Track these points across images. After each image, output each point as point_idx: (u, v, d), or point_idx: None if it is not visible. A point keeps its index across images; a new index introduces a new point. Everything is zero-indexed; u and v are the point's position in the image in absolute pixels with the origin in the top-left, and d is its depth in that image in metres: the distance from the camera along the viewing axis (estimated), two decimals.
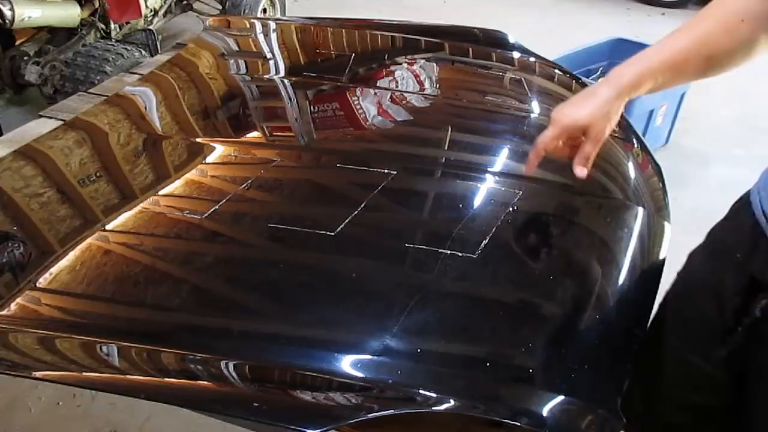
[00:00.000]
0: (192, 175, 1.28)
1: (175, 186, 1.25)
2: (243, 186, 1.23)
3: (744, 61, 1.01)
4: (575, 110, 1.05)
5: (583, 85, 1.79)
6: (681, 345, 1.08)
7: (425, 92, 1.74)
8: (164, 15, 3.99)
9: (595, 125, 1.04)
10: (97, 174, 1.32)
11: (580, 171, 1.09)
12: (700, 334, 1.04)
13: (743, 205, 1.02)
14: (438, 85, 1.82)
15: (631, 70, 1.03)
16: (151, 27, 3.71)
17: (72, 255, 1.05)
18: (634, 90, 1.03)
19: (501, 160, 1.44)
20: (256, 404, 0.81)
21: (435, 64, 1.89)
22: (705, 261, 1.08)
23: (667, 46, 1.02)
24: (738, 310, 0.96)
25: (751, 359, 0.97)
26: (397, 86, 1.73)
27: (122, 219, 1.15)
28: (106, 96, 1.63)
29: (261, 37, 2.02)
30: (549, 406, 0.84)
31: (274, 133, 1.56)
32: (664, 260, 1.21)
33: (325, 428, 0.75)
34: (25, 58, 3.23)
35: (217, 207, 1.16)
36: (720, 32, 0.99)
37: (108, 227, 1.13)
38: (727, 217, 1.07)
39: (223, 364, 0.86)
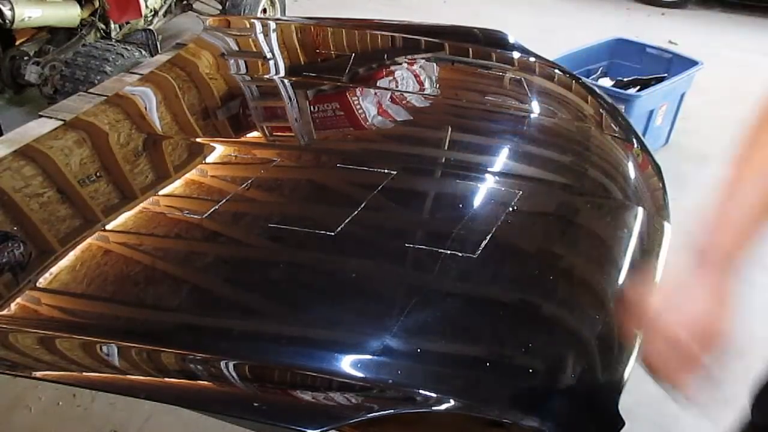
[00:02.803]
0: (192, 175, 1.28)
1: (175, 186, 1.25)
2: (243, 186, 1.23)
3: None
4: (690, 317, 0.74)
5: (583, 85, 1.79)
6: None
7: (425, 92, 1.74)
8: (164, 15, 3.99)
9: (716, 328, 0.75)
10: (97, 174, 1.32)
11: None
12: None
13: None
14: (438, 85, 1.82)
15: (729, 240, 0.76)
16: (151, 27, 3.71)
17: (72, 255, 1.05)
18: (739, 260, 0.77)
19: (501, 160, 1.43)
20: (256, 404, 0.81)
21: (435, 64, 1.89)
22: None
23: (748, 194, 0.77)
24: None
25: None
26: (397, 86, 1.73)
27: (122, 219, 1.14)
28: (106, 96, 1.63)
29: (261, 37, 2.02)
30: (549, 406, 0.84)
31: (274, 133, 1.56)
32: (664, 260, 1.21)
33: (325, 428, 0.75)
34: (25, 58, 3.23)
35: (217, 207, 1.16)
36: None
37: (108, 227, 1.13)
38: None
39: (223, 364, 0.86)
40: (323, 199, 1.31)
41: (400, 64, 1.85)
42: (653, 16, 5.48)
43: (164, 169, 1.35)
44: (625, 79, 3.27)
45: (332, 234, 1.09)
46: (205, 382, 0.86)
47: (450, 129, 1.57)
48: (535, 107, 1.64)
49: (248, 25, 2.18)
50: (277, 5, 4.41)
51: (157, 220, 1.16)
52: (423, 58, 1.90)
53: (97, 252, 1.07)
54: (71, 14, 3.33)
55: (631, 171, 1.46)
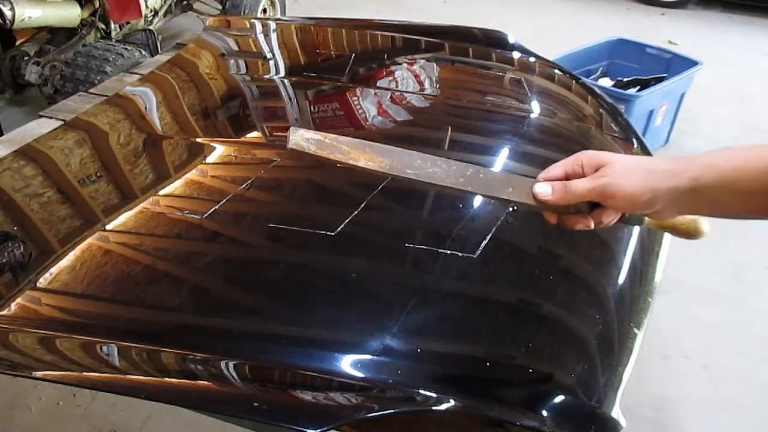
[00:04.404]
0: (192, 175, 1.28)
1: (175, 186, 1.25)
2: (243, 186, 1.23)
3: None
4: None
5: (583, 85, 1.79)
6: None
7: (425, 92, 1.74)
8: (164, 15, 3.99)
9: None
10: (97, 174, 1.32)
11: None
12: None
13: None
14: (438, 85, 1.82)
15: (704, 164, 0.70)
16: (151, 27, 3.71)
17: (72, 255, 1.05)
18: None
19: (501, 159, 1.44)
20: (256, 404, 0.81)
21: (435, 64, 1.89)
22: None
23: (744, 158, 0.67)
24: None
25: None
26: (397, 86, 1.73)
27: (122, 219, 1.15)
28: (106, 96, 1.63)
29: (261, 37, 2.02)
30: (549, 406, 0.84)
31: (274, 133, 1.56)
32: (663, 260, 1.21)
33: (325, 428, 0.75)
34: (25, 58, 3.23)
35: (217, 207, 1.16)
36: None
37: (108, 227, 1.13)
38: None
39: (223, 364, 0.86)
40: (323, 199, 1.31)
41: (400, 64, 1.85)
42: (653, 16, 5.48)
43: (164, 169, 1.35)
44: (625, 79, 3.28)
45: (332, 234, 1.09)
46: (205, 382, 0.86)
47: (450, 129, 1.57)
48: (535, 107, 1.64)
49: (248, 25, 2.18)
50: (277, 5, 4.41)
51: (157, 220, 1.16)
52: (423, 58, 1.90)
53: (97, 252, 1.07)
54: (71, 14, 3.33)
55: None
